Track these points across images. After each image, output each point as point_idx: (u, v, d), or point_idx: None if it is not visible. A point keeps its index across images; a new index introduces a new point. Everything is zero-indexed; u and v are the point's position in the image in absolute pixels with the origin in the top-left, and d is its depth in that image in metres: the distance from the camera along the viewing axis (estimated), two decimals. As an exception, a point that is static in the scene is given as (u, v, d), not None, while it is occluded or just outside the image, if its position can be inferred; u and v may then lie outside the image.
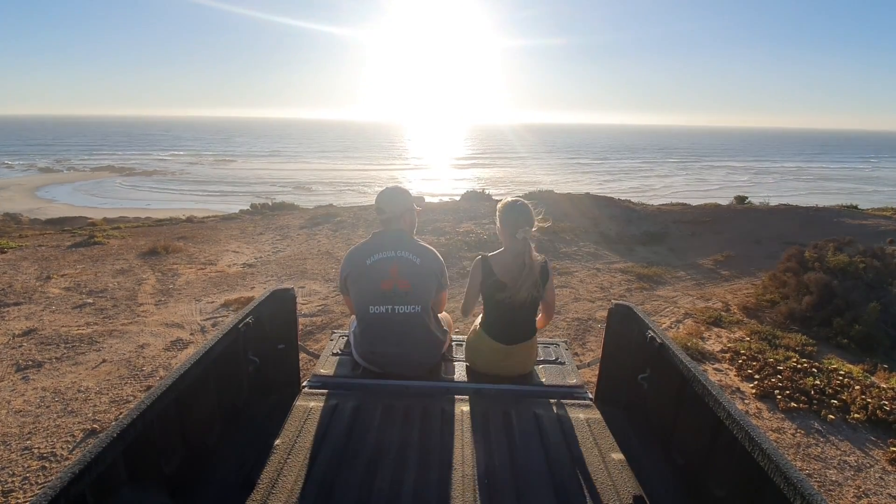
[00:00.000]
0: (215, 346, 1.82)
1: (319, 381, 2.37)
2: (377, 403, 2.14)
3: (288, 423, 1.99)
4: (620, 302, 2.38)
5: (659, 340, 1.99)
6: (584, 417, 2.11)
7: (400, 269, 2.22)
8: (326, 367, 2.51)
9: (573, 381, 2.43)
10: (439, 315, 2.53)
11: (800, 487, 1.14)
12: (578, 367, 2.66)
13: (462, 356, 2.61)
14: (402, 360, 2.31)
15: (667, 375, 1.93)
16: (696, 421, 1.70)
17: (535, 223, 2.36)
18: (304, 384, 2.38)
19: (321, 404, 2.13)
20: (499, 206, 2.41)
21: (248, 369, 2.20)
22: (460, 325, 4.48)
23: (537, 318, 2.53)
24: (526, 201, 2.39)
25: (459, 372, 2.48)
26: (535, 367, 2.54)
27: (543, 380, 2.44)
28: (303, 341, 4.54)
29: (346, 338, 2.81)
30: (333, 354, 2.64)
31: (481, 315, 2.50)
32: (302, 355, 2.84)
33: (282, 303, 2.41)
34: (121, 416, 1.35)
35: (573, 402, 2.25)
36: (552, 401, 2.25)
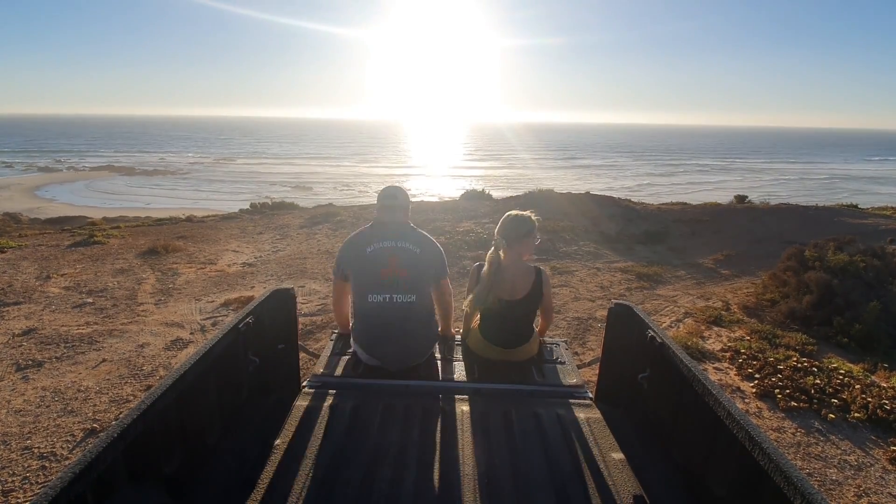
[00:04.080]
0: (215, 346, 1.81)
1: (319, 381, 2.37)
2: (377, 403, 2.14)
3: (288, 423, 1.99)
4: (620, 301, 2.38)
5: (659, 340, 1.98)
6: (584, 417, 2.11)
7: (399, 259, 2.26)
8: (326, 366, 2.50)
9: (573, 380, 2.43)
10: (444, 306, 2.59)
11: (800, 486, 1.14)
12: (578, 367, 2.66)
13: (461, 356, 2.62)
14: (398, 349, 2.35)
15: (667, 375, 1.93)
16: (697, 420, 1.70)
17: (523, 236, 2.40)
18: (304, 384, 2.38)
19: (321, 404, 2.13)
20: None
21: (248, 369, 2.19)
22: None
23: (538, 325, 2.63)
24: (522, 215, 2.42)
25: (459, 372, 2.48)
26: (535, 367, 2.54)
27: (543, 379, 2.43)
28: (303, 341, 4.54)
29: (346, 336, 2.82)
30: (333, 354, 2.64)
31: (479, 317, 2.58)
32: (302, 355, 2.84)
33: (282, 302, 2.40)
34: (121, 416, 1.34)
35: (573, 401, 2.25)
36: (552, 400, 2.25)
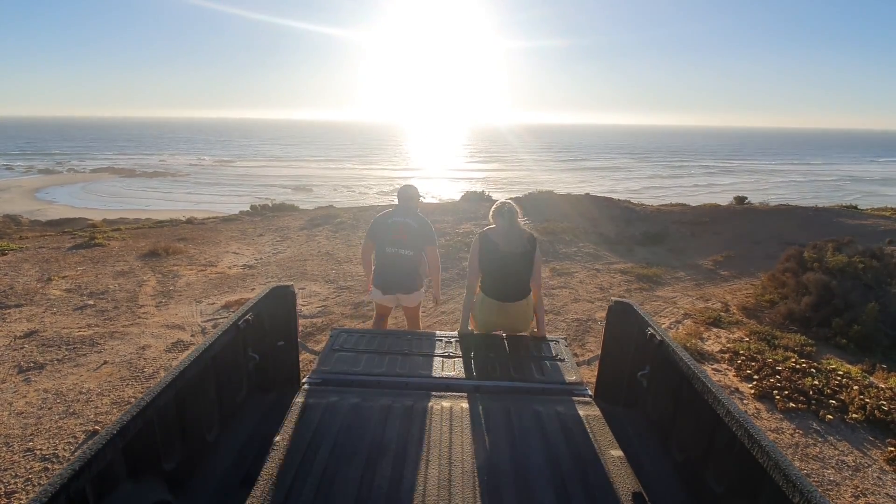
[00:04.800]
0: (215, 343, 1.82)
1: (319, 378, 2.39)
2: (377, 400, 2.15)
3: (288, 420, 2.01)
4: (620, 299, 2.39)
5: (658, 337, 2.00)
6: (584, 414, 2.13)
7: (405, 228, 3.53)
8: (326, 363, 2.52)
9: (573, 377, 2.44)
10: (431, 266, 3.69)
11: (798, 484, 1.15)
12: (578, 364, 2.67)
13: (461, 352, 2.67)
14: (398, 282, 3.54)
15: (666, 372, 1.94)
16: (695, 418, 1.71)
17: (519, 215, 3.02)
18: (303, 381, 2.40)
19: (321, 401, 2.14)
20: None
21: (248, 366, 2.21)
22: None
23: (532, 291, 2.99)
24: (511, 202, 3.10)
25: (459, 369, 2.50)
26: (535, 364, 2.56)
27: (543, 376, 2.45)
28: (303, 342, 4.56)
29: (346, 334, 2.91)
30: (333, 351, 2.65)
31: (480, 281, 3.04)
32: (302, 354, 2.86)
33: (281, 300, 2.41)
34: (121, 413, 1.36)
35: (573, 398, 2.27)
36: (552, 397, 2.26)
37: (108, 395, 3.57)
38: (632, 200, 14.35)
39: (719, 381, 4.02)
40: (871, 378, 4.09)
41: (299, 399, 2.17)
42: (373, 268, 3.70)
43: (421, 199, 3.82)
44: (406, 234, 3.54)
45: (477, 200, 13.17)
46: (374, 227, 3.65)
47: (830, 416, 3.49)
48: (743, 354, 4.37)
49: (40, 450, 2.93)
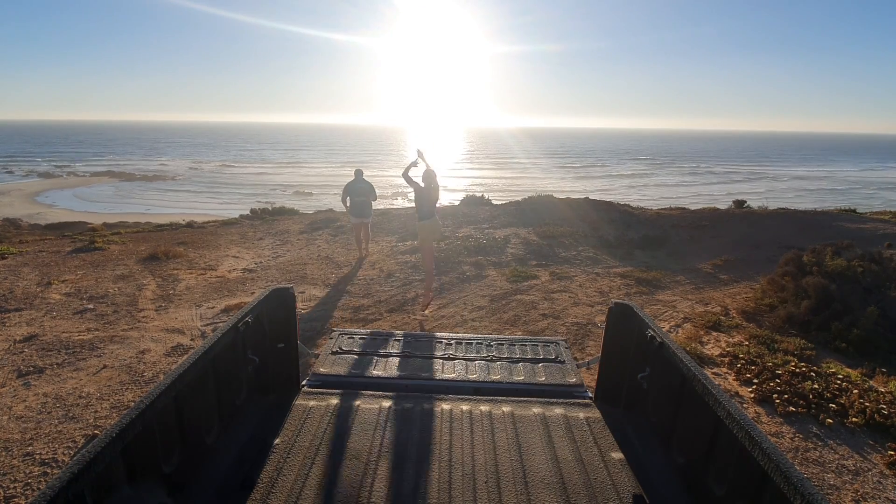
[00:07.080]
0: (215, 345, 1.82)
1: (319, 380, 2.39)
2: (377, 402, 2.16)
3: (287, 422, 2.01)
4: (620, 301, 2.39)
5: (659, 339, 2.00)
6: (584, 416, 2.13)
7: (363, 188, 7.94)
8: (326, 365, 2.52)
9: (573, 379, 2.45)
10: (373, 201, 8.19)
11: (799, 486, 1.15)
12: (578, 366, 2.68)
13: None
14: (360, 213, 7.88)
15: (667, 374, 1.94)
16: (696, 420, 1.71)
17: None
18: (303, 383, 2.40)
19: (321, 403, 2.15)
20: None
21: (248, 368, 2.21)
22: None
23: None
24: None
25: (459, 370, 2.52)
26: (535, 366, 2.57)
27: (543, 378, 2.45)
28: (303, 345, 4.55)
29: (346, 336, 2.93)
30: (333, 353, 2.65)
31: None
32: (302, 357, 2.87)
33: (281, 302, 2.41)
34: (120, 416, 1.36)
35: (573, 400, 2.27)
36: (552, 399, 2.27)
37: (108, 400, 3.56)
38: (641, 205, 14.36)
39: (719, 385, 4.02)
40: (871, 382, 4.09)
41: (299, 401, 2.17)
42: (348, 205, 7.90)
43: (363, 171, 8.02)
44: (364, 192, 7.77)
45: (477, 204, 13.19)
46: (347, 188, 7.81)
47: (830, 420, 3.49)
48: (743, 358, 4.37)
49: (39, 454, 2.93)
